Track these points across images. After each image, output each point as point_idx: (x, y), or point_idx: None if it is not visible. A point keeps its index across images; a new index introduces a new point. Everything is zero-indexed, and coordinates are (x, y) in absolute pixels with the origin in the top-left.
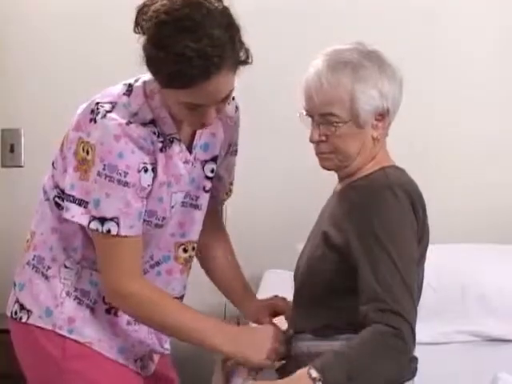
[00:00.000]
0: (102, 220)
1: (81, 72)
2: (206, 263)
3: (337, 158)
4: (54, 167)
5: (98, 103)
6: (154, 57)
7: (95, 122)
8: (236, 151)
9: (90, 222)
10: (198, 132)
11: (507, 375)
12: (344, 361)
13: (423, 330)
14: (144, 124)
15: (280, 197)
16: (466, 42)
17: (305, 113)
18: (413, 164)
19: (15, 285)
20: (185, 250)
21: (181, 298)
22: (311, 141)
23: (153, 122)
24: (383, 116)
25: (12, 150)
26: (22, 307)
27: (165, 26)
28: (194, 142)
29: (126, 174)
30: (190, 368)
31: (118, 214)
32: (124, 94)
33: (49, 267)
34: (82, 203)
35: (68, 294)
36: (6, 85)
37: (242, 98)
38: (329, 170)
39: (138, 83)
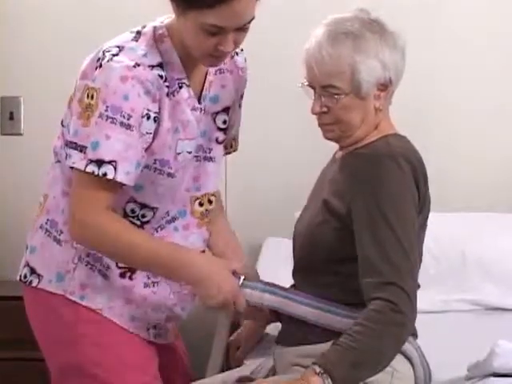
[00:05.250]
0: (100, 163)
1: (80, 40)
2: None
3: (339, 129)
4: (63, 125)
5: (104, 50)
6: None
7: (101, 66)
8: (241, 105)
9: (86, 166)
10: (208, 81)
11: (506, 342)
12: (345, 350)
13: (423, 298)
14: (151, 67)
15: (279, 166)
16: (467, 2)
17: (306, 83)
18: (413, 127)
19: (27, 248)
20: (200, 204)
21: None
22: (313, 112)
23: (160, 66)
24: (386, 86)
25: (11, 117)
26: (32, 271)
27: None
28: (204, 92)
29: (129, 116)
30: (190, 335)
31: (116, 157)
32: (132, 39)
33: (61, 231)
34: (82, 149)
35: (80, 259)
36: (5, 53)
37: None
38: (331, 140)
39: (147, 29)
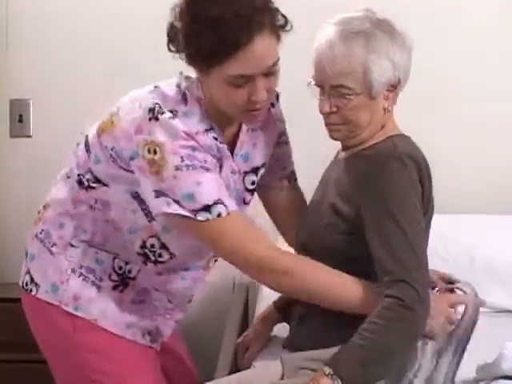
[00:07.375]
0: (207, 208)
1: (88, 43)
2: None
3: (347, 130)
4: (87, 150)
5: (156, 103)
6: (192, 33)
7: (157, 119)
8: (286, 142)
9: (195, 216)
10: (240, 141)
11: None
12: (353, 348)
13: None
14: (206, 131)
15: None
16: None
17: (313, 82)
18: (420, 124)
19: (27, 255)
20: (215, 261)
21: (189, 300)
22: (322, 112)
23: (212, 129)
24: (394, 86)
25: (21, 120)
26: (32, 279)
27: (195, 0)
28: (235, 151)
29: (205, 161)
30: (197, 341)
31: (218, 195)
32: (181, 101)
33: (54, 244)
34: (169, 202)
35: (73, 270)
36: (14, 55)
37: None
38: (338, 140)
39: (188, 90)
